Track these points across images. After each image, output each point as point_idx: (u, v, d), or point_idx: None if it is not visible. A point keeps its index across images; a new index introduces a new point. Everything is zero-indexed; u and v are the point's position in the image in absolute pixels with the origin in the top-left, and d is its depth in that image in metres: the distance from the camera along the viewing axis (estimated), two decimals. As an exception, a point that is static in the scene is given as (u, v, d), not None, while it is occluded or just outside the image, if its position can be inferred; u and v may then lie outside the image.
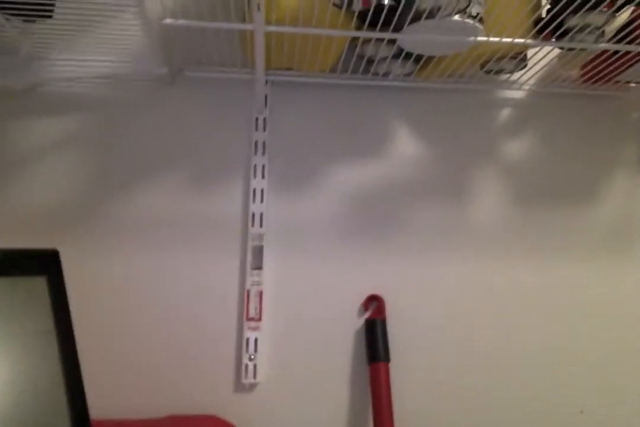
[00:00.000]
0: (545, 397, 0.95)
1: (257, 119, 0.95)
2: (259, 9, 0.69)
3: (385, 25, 0.77)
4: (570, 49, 0.84)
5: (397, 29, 0.77)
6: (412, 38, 0.78)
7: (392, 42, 0.83)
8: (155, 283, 0.91)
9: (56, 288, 0.61)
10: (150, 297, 0.90)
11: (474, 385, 0.94)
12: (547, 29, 0.79)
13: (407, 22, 0.74)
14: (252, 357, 0.91)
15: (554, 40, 0.83)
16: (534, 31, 0.80)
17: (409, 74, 0.93)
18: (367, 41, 0.84)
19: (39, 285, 0.59)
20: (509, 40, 0.80)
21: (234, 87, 0.96)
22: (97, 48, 0.86)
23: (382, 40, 0.83)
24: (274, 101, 0.96)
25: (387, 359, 0.90)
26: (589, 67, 0.92)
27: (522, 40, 0.80)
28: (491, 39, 0.79)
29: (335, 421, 0.91)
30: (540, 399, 0.95)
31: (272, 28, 0.76)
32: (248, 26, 0.75)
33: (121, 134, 0.93)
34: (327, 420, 0.91)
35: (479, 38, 0.78)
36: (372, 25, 0.78)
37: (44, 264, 0.61)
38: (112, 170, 0.92)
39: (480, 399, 0.94)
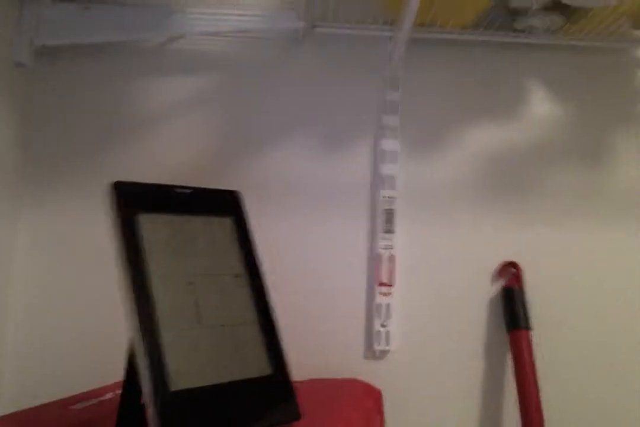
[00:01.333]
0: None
1: (390, 78, 0.92)
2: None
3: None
4: None
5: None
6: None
7: (550, -9, 0.78)
8: (284, 248, 0.88)
9: (243, 229, 0.58)
10: (279, 262, 0.87)
11: (614, 358, 0.89)
12: None
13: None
14: (385, 323, 0.88)
15: None
16: None
17: (554, 31, 0.88)
18: (523, -10, 0.79)
19: (227, 225, 0.57)
20: (681, -13, 0.74)
21: (365, 45, 0.93)
22: (236, 1, 0.83)
23: (539, -12, 0.78)
24: (407, 59, 0.92)
25: (528, 327, 0.86)
26: None
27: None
28: (663, -15, 0.74)
29: (470, 391, 0.88)
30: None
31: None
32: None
33: (251, 94, 0.91)
34: (462, 390, 0.88)
35: (651, -16, 0.73)
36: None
37: (229, 205, 0.59)
38: (241, 130, 0.90)
39: (622, 371, 0.89)
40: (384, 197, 0.89)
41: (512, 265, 0.90)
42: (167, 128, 0.89)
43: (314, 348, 0.87)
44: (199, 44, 0.90)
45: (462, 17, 0.85)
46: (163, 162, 0.88)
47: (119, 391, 0.58)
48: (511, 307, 0.87)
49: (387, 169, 0.90)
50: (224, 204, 0.59)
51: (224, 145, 0.89)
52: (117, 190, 0.51)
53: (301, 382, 0.79)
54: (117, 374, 0.62)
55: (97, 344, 0.85)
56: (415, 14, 0.80)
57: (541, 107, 0.93)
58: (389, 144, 0.90)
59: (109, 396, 0.68)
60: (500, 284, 0.90)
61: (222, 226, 0.57)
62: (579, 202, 0.91)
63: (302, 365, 0.81)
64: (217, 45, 0.91)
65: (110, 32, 0.84)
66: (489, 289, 0.90)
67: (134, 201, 0.52)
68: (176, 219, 0.54)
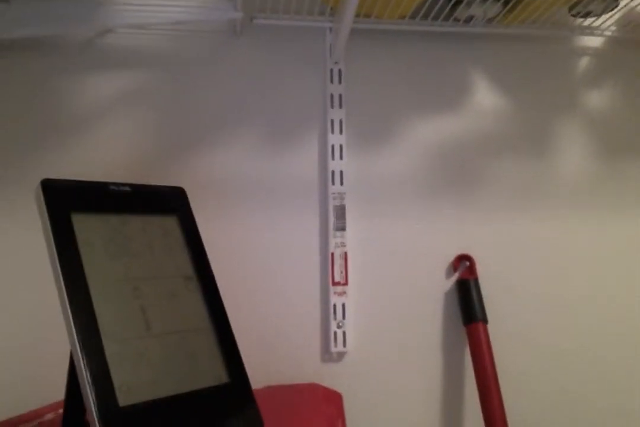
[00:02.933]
0: (645, 356, 0.91)
1: (332, 71, 0.89)
2: None
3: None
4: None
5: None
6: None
7: (490, -23, 0.77)
8: (231, 248, 0.84)
9: (189, 228, 0.54)
10: (226, 262, 0.83)
11: (568, 346, 0.89)
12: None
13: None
14: (341, 324, 0.84)
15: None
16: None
17: (492, 19, 0.88)
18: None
19: (171, 224, 0.52)
20: (617, -28, 0.75)
21: (305, 37, 0.90)
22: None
23: (479, -24, 0.77)
24: (348, 50, 0.90)
25: (484, 320, 0.85)
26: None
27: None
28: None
29: (430, 387, 0.86)
30: (638, 359, 0.91)
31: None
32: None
33: (187, 89, 0.86)
34: (422, 386, 0.86)
35: (588, -31, 0.74)
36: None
37: (173, 203, 0.54)
38: (180, 127, 0.85)
39: (577, 360, 0.89)
40: (333, 193, 0.86)
41: (466, 258, 0.89)
42: (100, 125, 0.83)
43: (269, 353, 0.83)
44: (131, 38, 0.85)
45: (400, 7, 0.83)
46: (96, 161, 0.82)
47: (60, 411, 0.53)
48: (466, 300, 0.86)
49: (335, 164, 0.87)
50: (168, 202, 0.54)
51: (162, 143, 0.84)
52: (48, 189, 0.46)
53: (259, 390, 0.75)
54: (59, 392, 0.57)
55: (33, 359, 0.78)
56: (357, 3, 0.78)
57: (485, 97, 0.92)
58: (336, 139, 0.87)
59: (49, 416, 0.62)
60: (454, 277, 0.88)
61: (166, 225, 0.53)
62: (525, 193, 0.91)
63: (257, 371, 0.77)
64: (150, 39, 0.86)
65: (34, 26, 0.77)
66: (444, 283, 0.88)
67: (66, 200, 0.47)
68: (114, 219, 0.50)
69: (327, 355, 0.85)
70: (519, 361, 0.88)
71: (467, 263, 0.89)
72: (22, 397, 0.72)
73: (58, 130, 0.82)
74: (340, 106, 0.88)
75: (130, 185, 0.53)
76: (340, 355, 0.85)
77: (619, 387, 0.90)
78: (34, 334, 0.78)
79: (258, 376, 0.82)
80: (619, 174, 0.94)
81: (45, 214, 0.46)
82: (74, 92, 0.83)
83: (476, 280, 0.87)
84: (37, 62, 0.83)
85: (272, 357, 0.83)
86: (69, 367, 0.46)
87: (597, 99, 0.96)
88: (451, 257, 0.89)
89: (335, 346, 0.84)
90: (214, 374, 0.48)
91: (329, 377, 0.84)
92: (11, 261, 0.79)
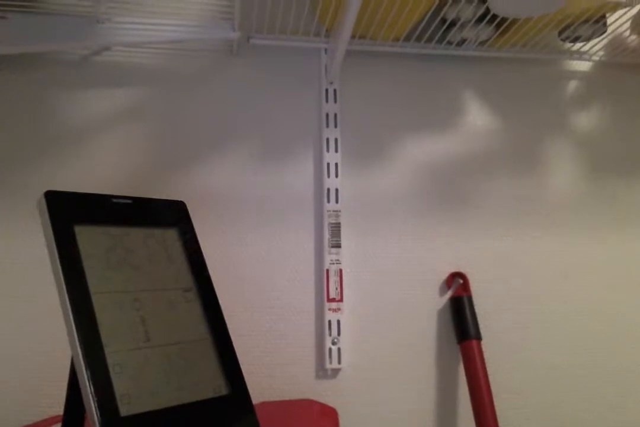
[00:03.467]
0: (634, 372, 0.91)
1: (327, 90, 0.91)
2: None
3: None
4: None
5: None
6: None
7: (482, 1, 0.80)
8: (227, 263, 0.84)
9: (189, 241, 0.54)
10: (219, 277, 0.83)
11: (563, 362, 0.90)
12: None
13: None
14: (336, 340, 0.85)
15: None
16: (629, -11, 0.78)
17: (484, 42, 0.90)
18: (457, 0, 0.81)
19: (172, 237, 0.53)
20: (604, -3, 0.78)
21: (300, 57, 0.92)
22: (166, 10, 0.80)
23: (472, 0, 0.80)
24: (343, 71, 0.91)
25: (478, 337, 0.85)
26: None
27: (617, -2, 0.78)
28: (587, -4, 0.77)
29: (425, 405, 0.86)
30: (631, 374, 0.91)
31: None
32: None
33: (183, 106, 0.87)
34: (417, 404, 0.86)
35: (576, -5, 0.76)
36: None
37: (174, 216, 0.55)
38: (175, 144, 0.86)
39: (572, 376, 0.90)
40: (328, 211, 0.87)
41: (459, 275, 0.89)
42: (96, 141, 0.84)
43: (263, 369, 0.83)
44: (128, 55, 0.86)
45: (395, 30, 0.85)
46: (93, 175, 0.83)
47: (56, 425, 0.52)
48: (460, 318, 0.87)
49: (330, 182, 0.88)
50: (168, 215, 0.55)
51: (159, 159, 0.85)
52: (51, 201, 0.47)
53: (254, 405, 0.74)
54: (56, 405, 0.56)
55: (32, 371, 0.77)
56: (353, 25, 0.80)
57: (476, 117, 0.94)
58: (331, 157, 0.89)
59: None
60: (448, 294, 0.89)
61: (167, 237, 0.53)
62: (517, 211, 0.93)
63: (250, 387, 0.76)
64: (147, 57, 0.87)
65: (31, 42, 0.78)
66: (438, 300, 0.89)
67: (69, 212, 0.48)
68: (116, 231, 0.50)
69: (322, 371, 0.85)
70: (514, 378, 0.88)
71: (461, 280, 0.89)
72: (18, 411, 0.72)
73: (55, 145, 0.83)
74: (336, 125, 0.90)
75: (132, 198, 0.53)
76: (335, 372, 0.85)
77: (612, 403, 0.90)
78: (34, 345, 0.78)
79: (251, 392, 0.82)
80: (606, 192, 0.96)
81: (49, 225, 0.46)
82: (71, 108, 0.84)
83: (470, 297, 0.88)
84: (34, 78, 0.84)
85: (266, 373, 0.83)
86: (69, 378, 0.46)
87: (585, 120, 0.98)
88: (445, 275, 0.90)
89: (330, 362, 0.84)
90: (214, 385, 0.48)
91: (324, 393, 0.84)
92: (11, 271, 0.79)
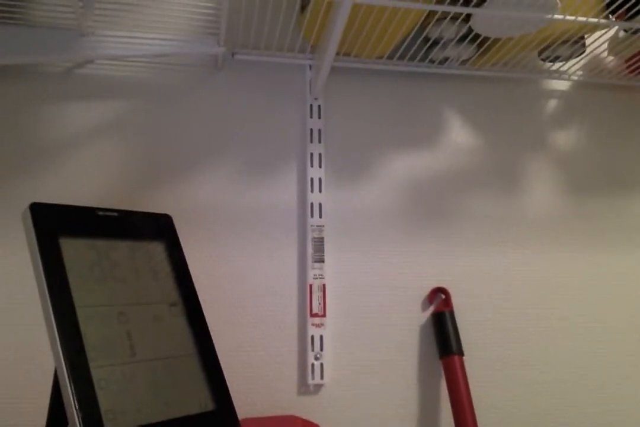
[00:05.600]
0: (618, 387, 0.92)
1: (311, 106, 0.91)
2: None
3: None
4: (636, 32, 0.85)
5: (476, 6, 0.76)
6: (490, 13, 0.77)
7: (465, 21, 0.81)
8: (210, 278, 0.84)
9: (176, 254, 0.54)
10: (205, 293, 0.83)
11: (545, 378, 0.91)
12: (620, 9, 0.80)
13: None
14: (319, 356, 0.84)
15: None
16: (608, 11, 0.80)
17: (466, 61, 0.92)
18: (440, 20, 0.82)
19: (158, 250, 0.53)
20: (583, 19, 0.80)
21: (285, 73, 0.92)
22: (151, 24, 0.81)
23: (455, 19, 0.81)
24: (327, 87, 0.92)
25: (460, 353, 0.85)
26: (636, 58, 0.94)
27: (596, 20, 0.80)
28: (567, 17, 0.79)
29: (407, 419, 0.86)
30: (614, 389, 0.92)
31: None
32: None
33: (167, 120, 0.87)
34: (399, 419, 0.85)
35: (556, 16, 0.78)
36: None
37: (160, 230, 0.55)
38: (158, 159, 0.86)
39: (553, 392, 0.90)
40: (312, 225, 0.87)
41: (441, 290, 0.90)
42: (79, 154, 0.83)
43: (244, 384, 0.82)
44: (112, 68, 0.86)
45: (379, 48, 0.87)
46: (76, 188, 0.82)
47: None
48: (442, 333, 0.87)
49: (314, 197, 0.88)
50: (154, 228, 0.54)
51: (142, 174, 0.84)
52: (36, 213, 0.46)
53: (235, 423, 0.73)
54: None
55: (14, 386, 0.76)
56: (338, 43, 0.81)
57: (458, 135, 0.96)
58: (315, 172, 0.89)
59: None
60: (430, 309, 0.89)
61: (153, 251, 0.53)
62: (498, 227, 0.94)
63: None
64: (131, 70, 0.87)
65: (14, 54, 0.78)
66: (420, 316, 0.89)
67: (54, 224, 0.47)
68: (101, 244, 0.50)
69: (304, 387, 0.84)
70: (496, 394, 0.89)
71: (443, 296, 0.90)
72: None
73: (37, 158, 0.82)
74: (320, 141, 0.90)
75: (118, 211, 0.53)
76: (317, 387, 0.85)
77: (595, 421, 0.91)
78: (20, 357, 0.76)
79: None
80: (586, 210, 0.97)
81: (34, 238, 0.45)
82: (54, 120, 0.83)
83: (452, 312, 0.88)
84: (16, 90, 0.83)
85: (247, 388, 0.82)
86: (52, 393, 0.45)
87: (564, 139, 1.00)
88: (427, 290, 0.90)
89: (313, 378, 0.84)
90: (199, 401, 0.47)
91: (306, 409, 0.83)
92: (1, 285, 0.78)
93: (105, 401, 0.41)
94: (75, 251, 0.48)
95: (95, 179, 0.83)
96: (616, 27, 0.88)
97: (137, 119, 0.86)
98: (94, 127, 0.84)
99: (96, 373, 0.42)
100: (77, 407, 0.39)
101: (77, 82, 0.85)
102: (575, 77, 0.98)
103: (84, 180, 0.83)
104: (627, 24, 0.82)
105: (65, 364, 0.41)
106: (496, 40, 0.86)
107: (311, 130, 0.90)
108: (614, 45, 0.93)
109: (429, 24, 0.83)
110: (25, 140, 0.82)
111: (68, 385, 0.40)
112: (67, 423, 0.46)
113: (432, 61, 0.92)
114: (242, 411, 0.80)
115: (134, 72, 0.87)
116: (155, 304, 0.50)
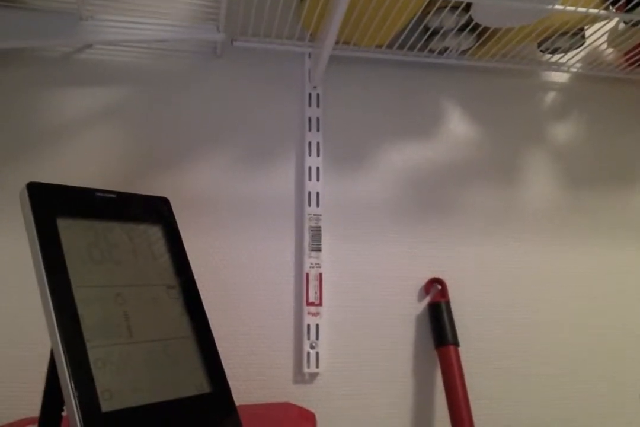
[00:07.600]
0: (612, 381, 0.92)
1: (310, 95, 0.91)
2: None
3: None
4: (636, 24, 0.85)
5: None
6: (491, 3, 0.77)
7: (465, 10, 0.81)
8: (207, 266, 0.84)
9: (173, 238, 0.54)
10: (201, 280, 0.82)
11: (540, 370, 0.91)
12: (620, 0, 0.80)
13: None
14: (314, 344, 0.84)
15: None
16: (608, 3, 0.80)
17: (465, 51, 0.92)
18: (440, 9, 0.82)
19: (156, 233, 0.52)
20: (583, 10, 0.80)
21: (284, 60, 0.92)
22: (150, 10, 0.80)
23: (455, 8, 0.81)
24: (326, 75, 0.92)
25: (456, 343, 0.85)
26: (634, 52, 0.94)
27: (596, 11, 0.80)
28: (567, 8, 0.79)
29: (402, 409, 0.86)
30: (607, 382, 0.92)
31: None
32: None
33: (165, 106, 0.87)
34: (394, 409, 0.85)
35: (556, 6, 0.78)
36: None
37: (158, 213, 0.54)
38: (155, 146, 0.85)
39: (549, 383, 0.91)
40: (309, 214, 0.87)
41: (438, 281, 0.90)
42: (77, 138, 0.83)
43: (240, 372, 0.82)
44: (111, 53, 0.86)
45: (378, 37, 0.86)
46: (74, 172, 0.82)
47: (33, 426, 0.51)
48: (438, 323, 0.87)
49: (311, 185, 0.88)
50: (153, 211, 0.54)
51: (140, 159, 0.84)
52: (34, 193, 0.46)
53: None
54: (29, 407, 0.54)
55: (7, 367, 0.75)
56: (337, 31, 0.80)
57: (456, 125, 0.96)
58: (313, 161, 0.89)
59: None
60: (426, 300, 0.89)
61: (151, 233, 0.53)
62: (496, 218, 0.94)
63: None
64: (130, 55, 0.87)
65: (13, 38, 0.77)
66: (416, 306, 0.89)
67: (52, 205, 0.47)
68: (99, 225, 0.49)
69: (300, 376, 0.84)
70: (490, 384, 0.89)
71: (439, 286, 0.90)
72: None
73: (36, 142, 0.81)
74: (318, 129, 0.90)
75: (116, 193, 0.52)
76: (313, 376, 0.84)
77: (590, 411, 0.91)
78: (15, 336, 0.76)
79: (229, 397, 0.81)
80: (582, 202, 0.97)
81: (31, 218, 0.45)
82: (52, 105, 0.83)
83: (448, 303, 0.88)
84: (15, 74, 0.83)
85: (243, 376, 0.82)
86: (48, 373, 0.45)
87: (562, 130, 1.00)
88: (423, 281, 0.90)
89: (308, 366, 0.84)
90: (195, 383, 0.47)
91: (301, 398, 0.83)
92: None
93: (101, 380, 0.41)
94: (72, 232, 0.47)
95: (92, 165, 0.82)
96: (616, 19, 0.88)
97: (135, 105, 0.85)
98: (92, 112, 0.84)
99: (93, 353, 0.42)
100: (73, 386, 0.39)
101: (76, 67, 0.85)
102: (574, 69, 0.98)
103: (81, 166, 0.82)
104: (627, 16, 0.82)
105: (62, 344, 0.40)
106: (496, 31, 0.86)
107: (309, 118, 0.90)
108: (614, 37, 0.93)
109: (429, 12, 0.83)
110: (23, 125, 0.81)
111: (64, 364, 0.40)
112: (62, 404, 0.46)
113: (431, 51, 0.91)
114: (238, 398, 0.79)
115: (133, 58, 0.87)
116: (153, 286, 0.49)
